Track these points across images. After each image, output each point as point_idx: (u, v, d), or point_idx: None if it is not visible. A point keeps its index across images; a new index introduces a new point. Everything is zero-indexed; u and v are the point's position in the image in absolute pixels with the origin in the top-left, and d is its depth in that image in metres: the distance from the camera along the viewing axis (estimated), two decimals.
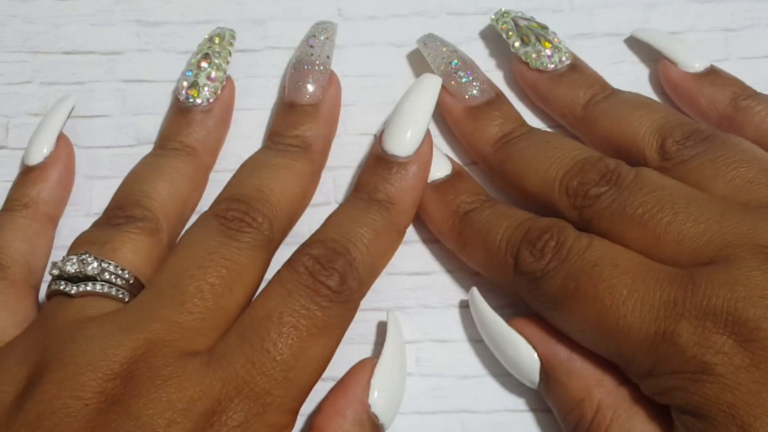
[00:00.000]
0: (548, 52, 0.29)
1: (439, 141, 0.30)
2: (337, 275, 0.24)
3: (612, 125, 0.27)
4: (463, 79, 0.29)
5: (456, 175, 0.28)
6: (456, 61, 0.29)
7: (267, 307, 0.23)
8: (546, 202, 0.26)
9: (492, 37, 0.32)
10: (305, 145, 0.28)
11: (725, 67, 0.30)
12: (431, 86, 0.27)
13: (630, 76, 0.31)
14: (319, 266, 0.24)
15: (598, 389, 0.23)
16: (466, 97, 0.28)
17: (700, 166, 0.25)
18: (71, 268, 0.24)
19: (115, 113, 0.31)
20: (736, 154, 0.25)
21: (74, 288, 0.24)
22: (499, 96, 0.29)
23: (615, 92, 0.28)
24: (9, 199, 0.28)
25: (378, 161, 0.27)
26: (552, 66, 0.29)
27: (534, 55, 0.29)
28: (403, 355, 0.25)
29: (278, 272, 0.24)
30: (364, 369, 0.24)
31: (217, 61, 0.29)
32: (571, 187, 0.25)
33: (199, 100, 0.28)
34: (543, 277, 0.24)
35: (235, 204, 0.25)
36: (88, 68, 0.31)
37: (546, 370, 0.24)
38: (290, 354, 0.22)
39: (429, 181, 0.27)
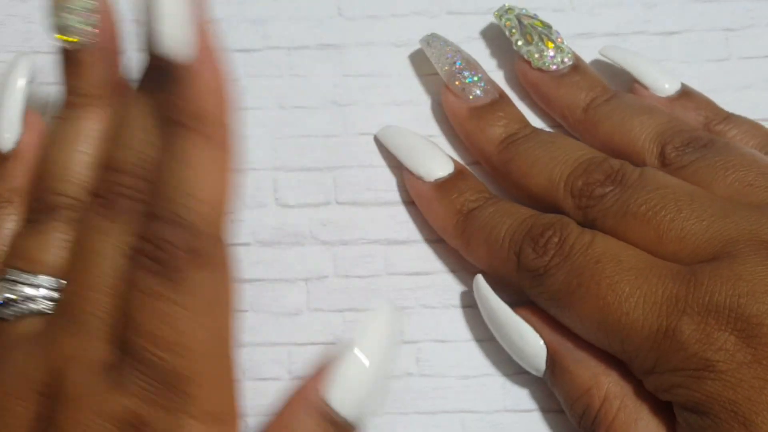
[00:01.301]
0: (551, 52, 0.29)
1: (441, 141, 0.30)
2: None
3: (612, 130, 0.27)
4: (467, 80, 0.29)
5: (458, 173, 0.28)
6: (460, 62, 0.29)
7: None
8: (550, 202, 0.26)
9: (493, 37, 0.32)
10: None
11: (725, 67, 0.30)
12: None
13: (630, 76, 0.31)
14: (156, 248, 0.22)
15: (606, 378, 0.23)
16: (470, 97, 0.28)
17: (699, 170, 0.25)
18: (4, 295, 0.23)
19: None
20: (735, 158, 0.25)
21: (8, 312, 0.22)
22: (503, 97, 0.29)
23: (616, 95, 0.28)
24: None
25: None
26: (554, 66, 0.29)
27: (536, 55, 0.29)
28: (383, 345, 0.22)
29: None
30: (329, 358, 0.22)
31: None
32: (575, 188, 0.25)
33: (78, 41, 0.24)
34: (546, 274, 0.24)
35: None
36: None
37: (553, 358, 0.24)
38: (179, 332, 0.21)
39: (432, 179, 0.27)
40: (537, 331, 0.24)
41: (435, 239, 0.28)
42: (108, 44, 0.25)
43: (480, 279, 0.26)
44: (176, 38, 0.22)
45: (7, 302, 0.22)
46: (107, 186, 0.23)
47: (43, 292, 0.22)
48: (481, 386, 0.26)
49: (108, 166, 0.23)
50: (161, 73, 0.23)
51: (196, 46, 0.22)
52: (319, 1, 0.32)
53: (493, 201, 0.27)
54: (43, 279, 0.23)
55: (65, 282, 0.22)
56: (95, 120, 0.24)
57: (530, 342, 0.24)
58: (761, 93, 0.30)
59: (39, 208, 0.24)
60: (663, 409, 0.22)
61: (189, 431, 0.20)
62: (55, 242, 0.23)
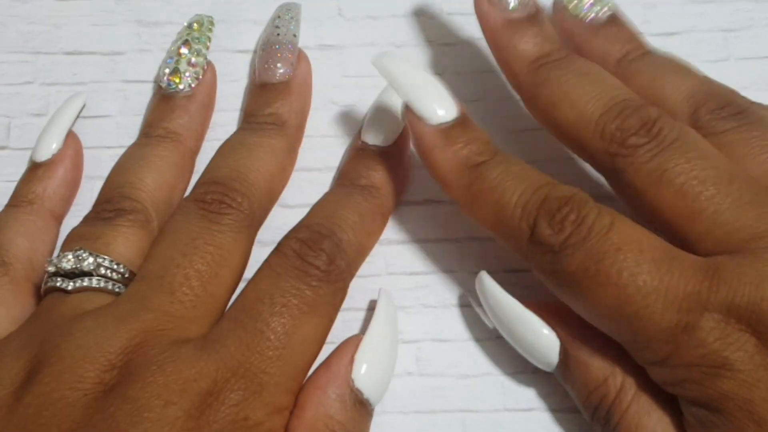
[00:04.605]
0: (590, 0, 0.28)
1: None
2: (324, 255, 0.24)
3: (644, 86, 0.26)
4: None
5: (463, 119, 0.26)
6: None
7: (258, 291, 0.23)
8: (577, 139, 0.25)
9: None
10: (280, 122, 0.28)
11: (724, 67, 0.30)
12: None
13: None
14: (306, 248, 0.24)
15: (622, 368, 0.23)
16: (508, 7, 0.27)
17: (732, 143, 0.24)
18: (67, 264, 0.24)
19: (116, 113, 0.31)
20: None
21: (71, 284, 0.24)
22: (540, 13, 0.28)
23: (650, 52, 0.28)
24: (14, 195, 0.28)
25: (359, 152, 0.28)
26: (592, 15, 0.28)
27: (575, 2, 0.28)
28: (392, 330, 0.25)
29: (267, 258, 0.25)
30: (349, 345, 0.24)
31: (197, 47, 0.29)
32: (608, 130, 0.24)
33: (181, 86, 0.29)
34: (561, 253, 0.23)
35: (213, 186, 0.26)
36: (89, 68, 0.31)
37: (567, 351, 0.24)
38: (283, 333, 0.23)
39: (435, 123, 0.25)
40: (550, 324, 0.24)
41: (435, 239, 0.28)
42: (202, 98, 0.29)
43: (484, 275, 0.25)
44: (390, 134, 0.28)
45: (72, 273, 0.24)
46: (218, 197, 0.25)
47: (106, 271, 0.24)
48: (481, 386, 0.26)
49: (304, 224, 0.25)
50: (362, 152, 0.28)
51: (396, 139, 0.28)
52: (319, 1, 0.32)
53: (500, 157, 0.25)
54: (108, 260, 0.24)
55: (128, 268, 0.25)
56: (170, 151, 0.28)
57: (543, 336, 0.24)
58: (760, 93, 0.30)
59: (108, 207, 0.26)
60: (677, 402, 0.22)
61: (254, 414, 0.22)
62: (120, 235, 0.25)
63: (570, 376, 0.24)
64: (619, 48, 0.28)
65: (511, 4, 0.27)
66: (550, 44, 0.27)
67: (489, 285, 0.25)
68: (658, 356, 0.22)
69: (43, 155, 0.28)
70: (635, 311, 0.21)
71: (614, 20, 0.28)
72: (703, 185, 0.22)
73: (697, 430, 0.21)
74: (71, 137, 0.29)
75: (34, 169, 0.28)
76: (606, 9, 0.28)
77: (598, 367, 0.23)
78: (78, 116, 0.30)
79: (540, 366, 0.25)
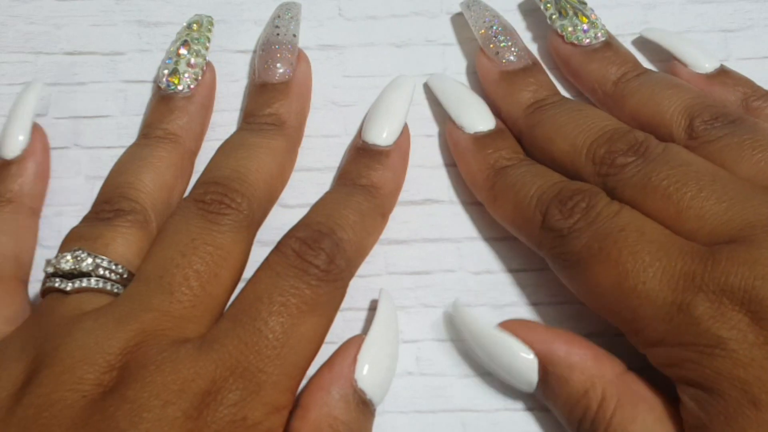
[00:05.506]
0: (584, 26, 0.29)
1: (436, 142, 0.30)
2: (324, 254, 0.24)
3: (641, 103, 0.27)
4: (502, 44, 0.29)
5: (498, 131, 0.28)
6: (497, 26, 0.29)
7: (257, 290, 0.24)
8: (572, 168, 0.26)
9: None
10: (280, 122, 0.28)
11: None
12: (407, 84, 0.29)
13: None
14: (306, 247, 0.24)
15: (601, 379, 0.23)
16: (503, 61, 0.29)
17: (726, 147, 0.25)
18: (66, 265, 0.24)
19: (116, 113, 0.31)
20: (763, 138, 0.25)
21: (69, 285, 0.24)
22: (536, 64, 0.29)
23: (647, 72, 0.29)
24: None
25: (360, 152, 0.28)
26: (587, 41, 0.29)
27: (570, 29, 0.29)
28: (394, 330, 0.25)
29: (266, 258, 0.25)
30: (351, 345, 0.24)
31: (196, 48, 0.29)
32: (597, 155, 0.26)
33: (180, 87, 0.29)
34: (569, 235, 0.24)
35: (213, 187, 0.26)
36: (89, 69, 0.31)
37: (546, 368, 0.24)
38: (282, 332, 0.23)
39: (472, 132, 0.28)
40: (526, 343, 0.24)
41: (435, 239, 0.28)
42: (201, 99, 0.29)
43: (458, 304, 0.26)
44: (391, 134, 0.28)
45: (71, 274, 0.24)
46: (218, 197, 0.25)
47: (105, 272, 0.24)
48: (481, 385, 0.26)
49: (303, 223, 0.25)
50: (363, 152, 0.28)
51: (397, 140, 0.28)
52: (319, 1, 0.32)
53: (526, 162, 0.27)
54: (106, 260, 0.24)
55: (127, 269, 0.25)
56: (170, 152, 0.28)
57: (520, 357, 0.24)
58: None
59: (107, 208, 0.26)
60: (659, 405, 0.22)
61: (252, 413, 0.22)
62: (119, 236, 0.25)
63: (551, 394, 0.24)
64: (616, 70, 0.29)
65: (507, 58, 0.29)
66: (545, 91, 0.29)
67: (463, 311, 0.25)
68: (657, 336, 0.22)
69: (12, 151, 0.28)
70: (633, 287, 0.22)
71: (609, 44, 0.29)
72: (686, 186, 0.24)
73: (695, 412, 0.21)
74: (36, 130, 0.29)
75: (6, 166, 0.28)
76: (601, 34, 0.29)
77: (577, 380, 0.23)
78: (37, 104, 0.29)
79: (521, 387, 0.25)
